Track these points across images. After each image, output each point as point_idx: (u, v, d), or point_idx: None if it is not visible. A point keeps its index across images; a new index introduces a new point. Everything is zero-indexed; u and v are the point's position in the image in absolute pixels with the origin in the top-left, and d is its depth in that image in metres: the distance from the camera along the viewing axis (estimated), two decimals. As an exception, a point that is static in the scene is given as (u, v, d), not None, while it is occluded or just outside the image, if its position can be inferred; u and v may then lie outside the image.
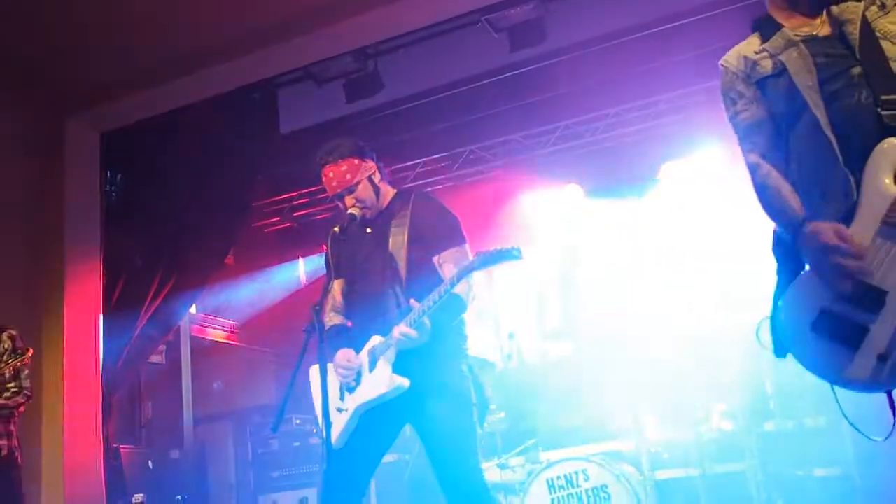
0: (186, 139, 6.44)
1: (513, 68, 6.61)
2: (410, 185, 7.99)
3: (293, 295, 8.09)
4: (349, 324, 3.66)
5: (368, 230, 3.61)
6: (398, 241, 3.49)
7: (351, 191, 3.53)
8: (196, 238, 6.36)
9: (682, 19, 6.09)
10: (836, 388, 2.35)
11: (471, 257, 3.37)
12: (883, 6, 2.44)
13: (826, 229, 2.27)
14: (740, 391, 5.30)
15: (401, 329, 3.25)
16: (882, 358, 2.21)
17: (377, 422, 3.45)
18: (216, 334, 8.37)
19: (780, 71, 2.49)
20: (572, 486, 5.04)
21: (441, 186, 8.14)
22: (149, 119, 6.29)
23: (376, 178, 3.58)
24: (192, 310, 7.63)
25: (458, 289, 3.26)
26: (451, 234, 3.51)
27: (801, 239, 2.35)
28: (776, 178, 2.49)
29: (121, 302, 6.33)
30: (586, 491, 5.00)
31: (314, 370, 3.64)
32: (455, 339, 3.51)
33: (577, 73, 6.64)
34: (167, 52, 5.66)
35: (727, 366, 5.42)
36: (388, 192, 3.66)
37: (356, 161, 3.54)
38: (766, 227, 2.59)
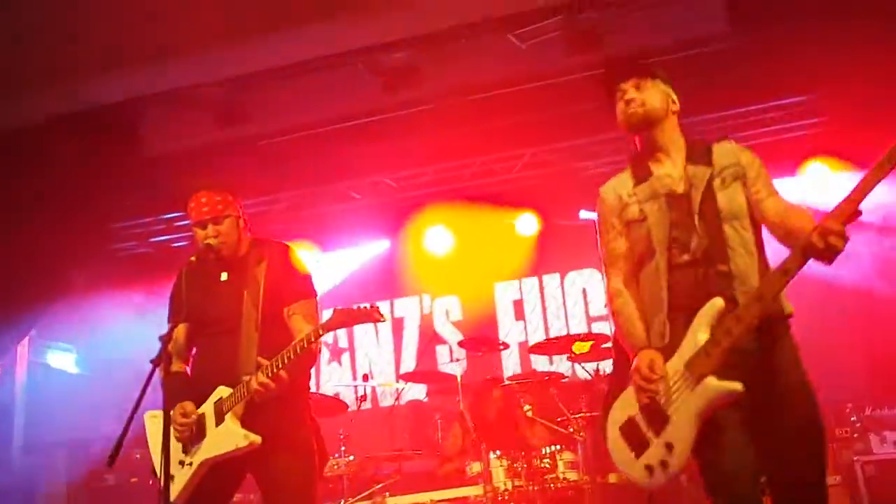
0: (42, 153, 6.13)
1: (386, 111, 6.67)
2: (277, 216, 7.90)
3: (144, 322, 7.77)
4: (188, 371, 3.58)
5: (224, 276, 3.57)
6: (255, 290, 3.47)
7: (217, 222, 3.51)
8: (41, 260, 6.02)
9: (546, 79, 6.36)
10: None
11: (319, 311, 3.45)
12: (723, 181, 2.85)
13: (644, 357, 2.76)
14: (585, 442, 5.45)
15: (259, 380, 3.22)
16: (650, 469, 2.70)
17: (220, 474, 3.38)
18: (58, 359, 7.93)
19: (643, 219, 2.90)
20: (417, 532, 5.04)
21: (305, 222, 8.09)
22: (3, 129, 5.95)
23: (241, 224, 3.60)
24: (32, 333, 7.23)
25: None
26: (302, 287, 3.55)
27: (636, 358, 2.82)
28: (631, 308, 2.90)
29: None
30: (431, 537, 5.01)
31: (150, 417, 3.52)
32: (300, 389, 3.51)
33: (450, 119, 6.78)
34: (35, 61, 5.39)
35: (573, 415, 5.57)
36: (246, 241, 3.65)
37: (230, 198, 3.57)
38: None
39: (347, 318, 3.20)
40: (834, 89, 6.56)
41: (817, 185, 6.98)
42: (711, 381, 2.58)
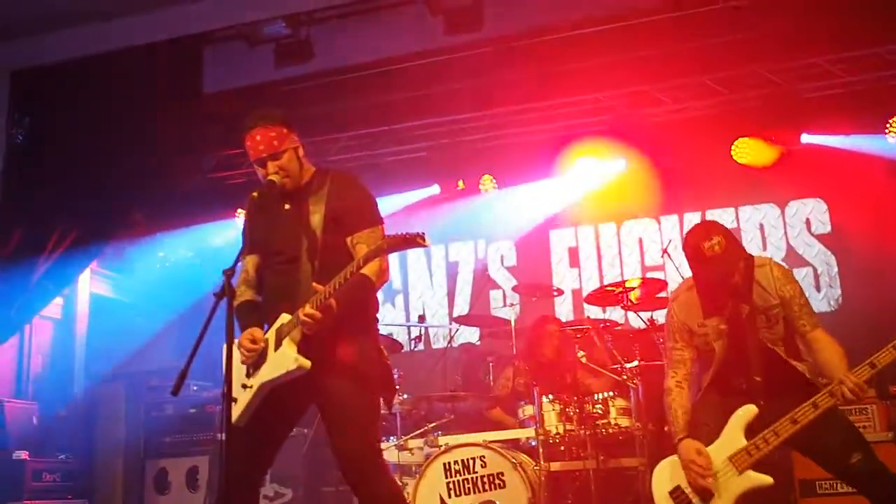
0: (103, 87, 6.17)
1: (446, 52, 6.57)
2: (333, 158, 7.89)
3: (202, 258, 7.88)
4: (259, 300, 3.61)
5: (287, 206, 3.57)
6: (315, 219, 3.46)
7: (275, 157, 3.49)
8: (103, 191, 6.10)
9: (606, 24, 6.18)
10: None
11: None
12: (768, 319, 3.64)
13: (690, 446, 3.61)
14: (640, 389, 5.42)
15: (305, 311, 3.24)
16: None
17: (282, 400, 3.42)
18: (118, 292, 8.10)
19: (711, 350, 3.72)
20: (468, 472, 5.07)
21: (362, 163, 8.07)
22: (65, 61, 6.00)
23: (300, 152, 3.57)
24: (94, 265, 7.38)
25: (368, 269, 3.25)
26: (366, 215, 3.51)
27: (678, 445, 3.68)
28: (677, 402, 3.73)
29: (17, 250, 6.06)
30: (482, 477, 5.04)
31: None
32: (363, 319, 3.52)
33: (510, 62, 6.65)
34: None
35: (627, 363, 5.53)
36: (309, 169, 3.63)
37: (285, 131, 3.51)
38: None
39: (391, 244, 3.18)
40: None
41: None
42: (752, 474, 3.53)
